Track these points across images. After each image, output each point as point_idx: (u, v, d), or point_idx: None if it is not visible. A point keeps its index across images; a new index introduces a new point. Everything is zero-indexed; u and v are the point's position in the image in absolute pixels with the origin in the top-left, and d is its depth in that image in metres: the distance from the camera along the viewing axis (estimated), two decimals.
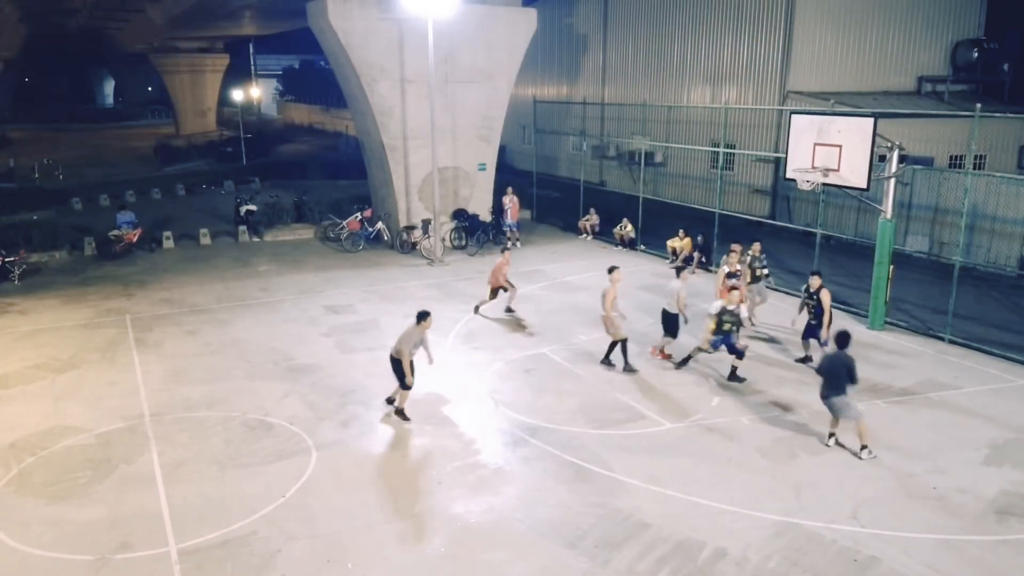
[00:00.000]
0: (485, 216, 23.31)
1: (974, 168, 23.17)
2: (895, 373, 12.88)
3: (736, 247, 14.92)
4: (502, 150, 25.23)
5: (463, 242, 22.60)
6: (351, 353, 13.91)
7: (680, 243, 20.30)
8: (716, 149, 22.49)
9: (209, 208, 28.19)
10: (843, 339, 10.04)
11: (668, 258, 20.58)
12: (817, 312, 12.78)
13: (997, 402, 11.71)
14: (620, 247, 22.56)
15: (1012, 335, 14.48)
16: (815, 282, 12.86)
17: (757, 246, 15.49)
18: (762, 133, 27.04)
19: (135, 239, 21.80)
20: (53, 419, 11.14)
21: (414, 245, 21.98)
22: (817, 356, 12.31)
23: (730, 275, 14.16)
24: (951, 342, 14.20)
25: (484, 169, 23.35)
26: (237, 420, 11.17)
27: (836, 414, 10.07)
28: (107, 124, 68.84)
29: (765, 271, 15.38)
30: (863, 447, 9.93)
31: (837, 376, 9.86)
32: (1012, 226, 18.55)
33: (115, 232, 21.67)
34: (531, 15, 22.85)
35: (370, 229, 22.76)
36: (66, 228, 23.78)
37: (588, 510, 8.80)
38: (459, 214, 22.92)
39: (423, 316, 11.10)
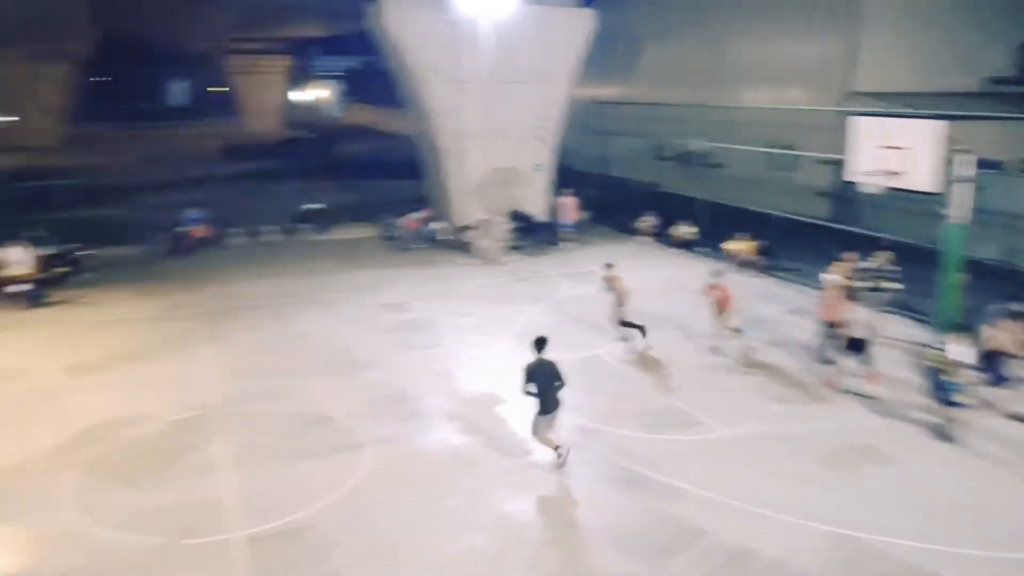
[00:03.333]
0: (541, 216, 23.39)
1: None
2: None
3: (849, 255, 14.36)
4: (559, 150, 25.25)
5: (518, 242, 22.71)
6: (407, 350, 14.14)
7: (738, 246, 20.02)
8: (774, 150, 22.10)
9: (273, 206, 28.91)
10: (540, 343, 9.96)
11: (726, 261, 20.31)
12: None
13: None
14: (677, 249, 22.36)
15: None
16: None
17: (885, 255, 15.14)
18: (823, 134, 26.40)
19: (203, 235, 22.52)
20: (126, 407, 11.63)
21: (469, 245, 22.18)
22: None
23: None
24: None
25: (540, 170, 23.42)
26: (298, 413, 11.48)
27: None
28: (179, 123, 71.06)
29: (894, 284, 14.80)
30: None
31: None
32: None
33: (183, 228, 22.43)
34: (589, 16, 22.79)
35: (427, 229, 23.04)
36: (139, 223, 24.69)
37: (641, 514, 8.80)
38: (515, 214, 23.03)
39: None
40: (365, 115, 71.77)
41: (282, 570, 7.83)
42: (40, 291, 17.04)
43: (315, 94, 63.88)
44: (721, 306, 13.74)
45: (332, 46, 61.41)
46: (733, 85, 30.79)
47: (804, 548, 8.11)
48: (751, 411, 11.53)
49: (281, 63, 61.59)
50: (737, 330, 13.93)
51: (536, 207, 23.41)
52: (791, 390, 12.31)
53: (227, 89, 67.13)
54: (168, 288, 18.36)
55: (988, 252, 19.19)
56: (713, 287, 13.83)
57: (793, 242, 20.22)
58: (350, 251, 22.53)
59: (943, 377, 10.38)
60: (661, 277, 19.41)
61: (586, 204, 24.70)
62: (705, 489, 9.27)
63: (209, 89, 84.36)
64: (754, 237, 19.82)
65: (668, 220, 22.97)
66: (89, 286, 18.56)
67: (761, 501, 9.00)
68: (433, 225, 23.05)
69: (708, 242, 21.74)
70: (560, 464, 9.71)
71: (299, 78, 61.84)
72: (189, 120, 74.23)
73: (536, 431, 9.80)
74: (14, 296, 16.49)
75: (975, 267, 15.00)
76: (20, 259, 16.66)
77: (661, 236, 23.45)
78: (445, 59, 21.07)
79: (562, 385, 9.69)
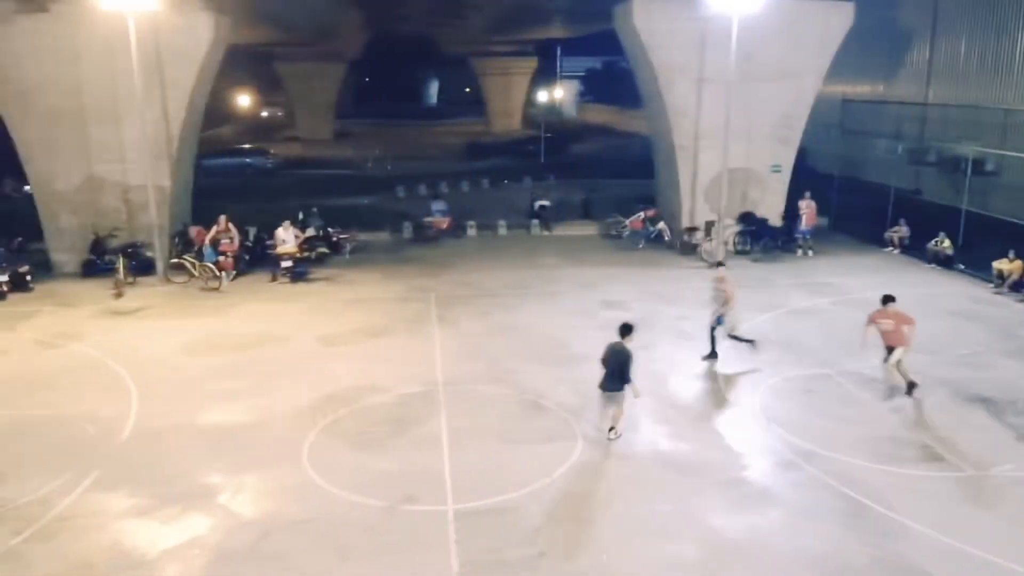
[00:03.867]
0: (775, 221, 22.20)
1: None
2: None
3: None
4: (801, 152, 23.76)
5: (747, 247, 21.76)
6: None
7: (1010, 265, 17.64)
8: None
9: (508, 202, 30.24)
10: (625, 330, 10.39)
11: (992, 281, 17.99)
12: None
13: None
14: (933, 264, 20.16)
15: None
16: None
17: None
18: None
19: (445, 226, 24.19)
20: (364, 377, 12.84)
21: (695, 247, 21.65)
22: None
23: None
24: None
25: (779, 171, 22.22)
26: (515, 398, 11.98)
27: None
28: (429, 121, 76.55)
29: None
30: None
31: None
32: None
33: (429, 219, 24.25)
34: (847, 9, 21.17)
35: (652, 229, 22.85)
36: (389, 212, 27.07)
37: (861, 549, 8.11)
38: (746, 217, 22.08)
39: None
40: (602, 115, 72.60)
41: (490, 547, 8.23)
42: (304, 268, 19.31)
43: (556, 94, 65.62)
44: (889, 339, 11.87)
45: (574, 47, 62.65)
46: (1016, 85, 27.02)
47: None
48: (1006, 452, 10.13)
49: (527, 64, 64.06)
50: (899, 366, 11.87)
51: (771, 211, 22.27)
52: None
53: (474, 90, 71.20)
54: (411, 273, 19.93)
55: None
56: (882, 315, 11.92)
57: None
58: (576, 247, 22.98)
59: None
60: (911, 295, 17.61)
61: (828, 209, 23.09)
62: (939, 532, 8.32)
63: (462, 90, 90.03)
64: (1018, 255, 17.35)
65: (923, 231, 20.77)
66: (345, 266, 20.67)
67: (1005, 552, 7.91)
68: (659, 225, 22.81)
69: (970, 259, 19.36)
70: (610, 439, 10.44)
71: (542, 79, 63.86)
72: (439, 119, 79.81)
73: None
74: (283, 271, 18.83)
75: None
76: (288, 239, 18.98)
77: (913, 249, 21.28)
78: (690, 57, 20.69)
79: (619, 369, 10.21)
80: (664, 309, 16.52)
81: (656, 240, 22.75)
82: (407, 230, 24.54)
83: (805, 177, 23.76)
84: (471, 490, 9.26)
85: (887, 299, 11.94)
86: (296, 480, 9.62)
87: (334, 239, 21.85)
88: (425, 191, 32.59)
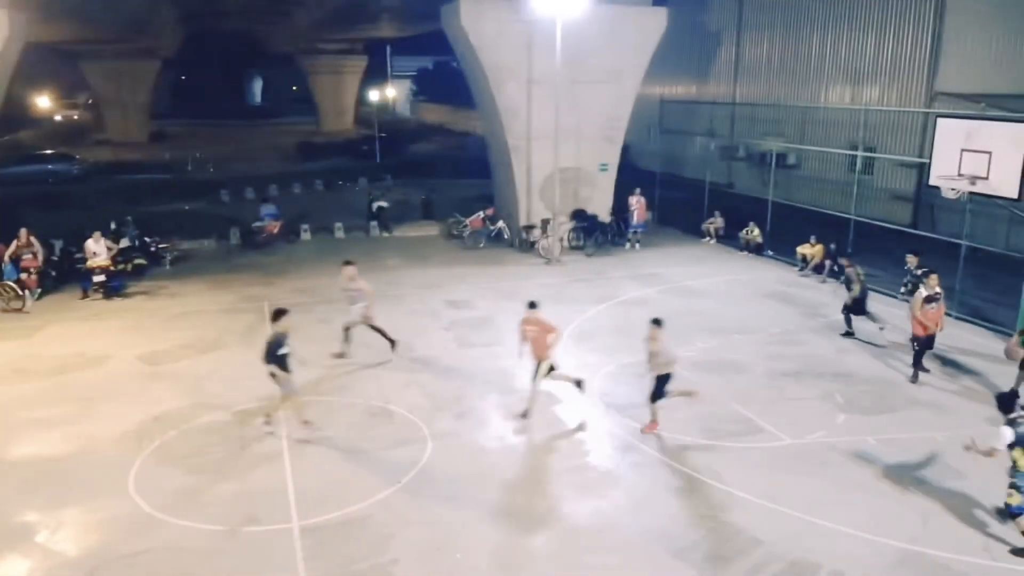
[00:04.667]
0: (604, 217, 23.22)
1: None
2: None
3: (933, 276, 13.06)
4: (625, 150, 25.00)
5: (581, 242, 22.61)
6: (468, 347, 14.26)
7: (811, 250, 19.46)
8: (854, 152, 21.36)
9: (344, 204, 29.55)
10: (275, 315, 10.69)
11: (797, 265, 19.78)
12: None
13: None
14: (745, 252, 21.87)
15: None
16: None
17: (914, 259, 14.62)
18: (905, 136, 25.41)
19: (276, 231, 23.19)
20: (195, 396, 12.07)
21: (533, 244, 22.20)
22: None
23: (929, 299, 12.43)
24: None
25: (606, 169, 23.25)
26: (360, 406, 11.71)
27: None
28: (255, 121, 73.33)
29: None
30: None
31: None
32: None
33: (258, 223, 23.15)
34: (661, 14, 22.52)
35: (492, 227, 23.19)
36: (214, 218, 25.62)
37: (698, 521, 8.64)
38: (578, 214, 22.93)
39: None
40: (437, 114, 72.69)
41: (340, 560, 7.97)
42: (119, 282, 17.84)
43: (389, 93, 64.94)
44: (535, 348, 10.98)
45: (407, 47, 62.33)
46: (812, 84, 29.92)
47: (867, 563, 7.81)
48: (818, 420, 11.17)
49: (357, 63, 62.89)
50: (554, 375, 11.20)
51: (600, 207, 23.27)
52: (861, 399, 11.88)
53: (302, 89, 68.95)
54: (241, 281, 18.96)
55: None
56: (527, 321, 11.05)
57: (870, 247, 19.52)
58: (417, 248, 22.84)
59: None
60: (728, 281, 19.05)
61: (654, 204, 24.41)
62: (765, 499, 9.04)
63: (289, 89, 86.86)
64: (826, 241, 19.21)
65: (739, 222, 22.48)
66: (167, 278, 19.32)
67: (823, 513, 8.72)
68: (499, 224, 23.19)
69: (777, 245, 21.18)
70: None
71: (373, 78, 62.98)
72: (267, 118, 76.63)
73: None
74: (95, 286, 17.29)
75: None
76: (100, 251, 17.44)
77: (727, 238, 22.97)
78: (519, 59, 21.16)
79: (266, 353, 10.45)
80: (507, 306, 16.75)
81: (496, 239, 23.10)
82: (235, 236, 23.33)
83: (631, 175, 25.04)
84: (318, 505, 8.93)
85: (532, 304, 11.07)
86: (124, 511, 8.86)
87: (152, 249, 20.39)
88: (253, 194, 31.18)
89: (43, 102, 52.95)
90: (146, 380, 12.76)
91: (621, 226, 23.25)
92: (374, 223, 25.01)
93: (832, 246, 18.99)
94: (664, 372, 10.53)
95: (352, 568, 7.85)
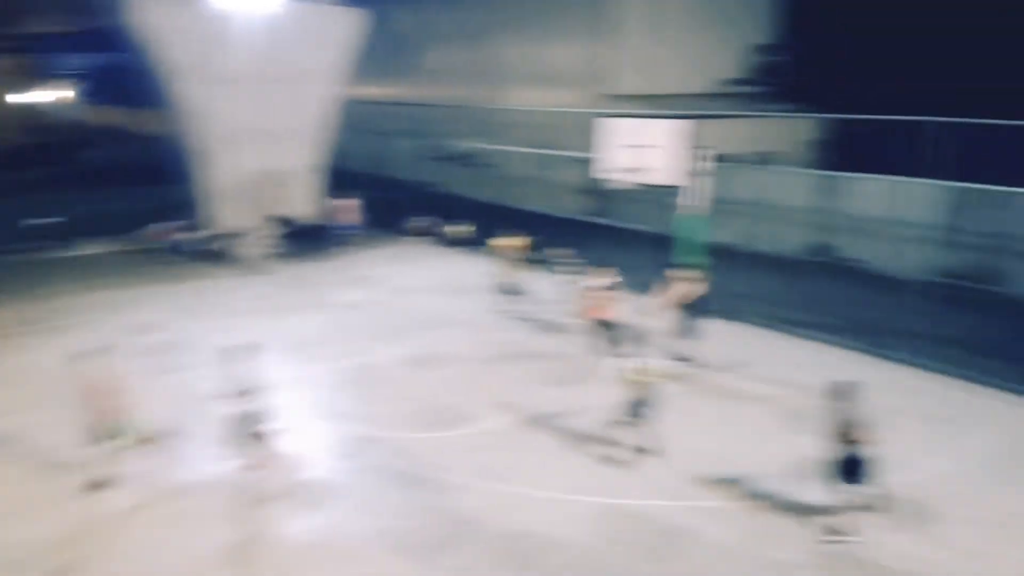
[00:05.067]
0: (312, 220, 22.64)
1: (765, 164, 25.30)
2: (714, 352, 13.61)
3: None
4: (334, 152, 24.63)
5: (288, 249, 21.82)
6: (163, 375, 12.95)
7: (507, 243, 20.63)
8: (539, 151, 23.13)
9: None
10: None
11: (502, 258, 20.87)
12: None
13: (786, 373, 12.83)
14: (454, 248, 22.62)
15: (796, 311, 15.88)
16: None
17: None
18: (585, 135, 28.14)
19: None
20: None
21: (233, 254, 20.93)
22: None
23: (593, 287, 13.53)
24: (753, 324, 15.41)
25: (309, 172, 22.71)
26: (31, 454, 10.19)
27: None
28: None
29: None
30: None
31: None
32: (799, 215, 20.46)
33: None
34: (357, 14, 22.41)
35: (184, 239, 21.40)
36: None
37: (419, 514, 8.83)
38: (282, 220, 22.10)
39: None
40: (112, 117, 65.50)
41: None
42: None
43: (55, 95, 57.16)
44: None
45: (76, 42, 55.25)
46: (506, 87, 31.88)
47: (574, 521, 8.57)
48: (523, 398, 11.95)
49: (12, 62, 54.37)
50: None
51: (306, 211, 22.65)
52: (559, 375, 12.93)
53: None
54: None
55: (727, 237, 21.51)
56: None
57: (565, 237, 21.29)
58: (95, 268, 20.27)
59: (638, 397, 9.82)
60: (438, 277, 19.60)
61: (365, 206, 24.31)
62: (480, 479, 9.51)
63: None
64: (526, 234, 20.55)
65: (448, 220, 23.18)
66: None
67: (533, 484, 9.40)
68: (191, 234, 21.46)
69: (484, 241, 22.24)
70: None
71: (37, 77, 55.00)
72: None
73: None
74: None
75: (717, 251, 16.53)
76: None
77: (437, 236, 23.63)
78: (205, 56, 19.75)
79: None
80: (206, 324, 15.53)
81: (190, 251, 21.35)
82: None
83: (340, 176, 24.70)
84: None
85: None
86: None
87: None
88: None
89: None
90: None
91: (331, 230, 22.83)
92: (36, 243, 21.69)
93: (534, 239, 20.33)
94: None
95: None
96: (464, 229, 22.72)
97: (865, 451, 7.93)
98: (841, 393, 8.12)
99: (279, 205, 22.13)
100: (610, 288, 13.52)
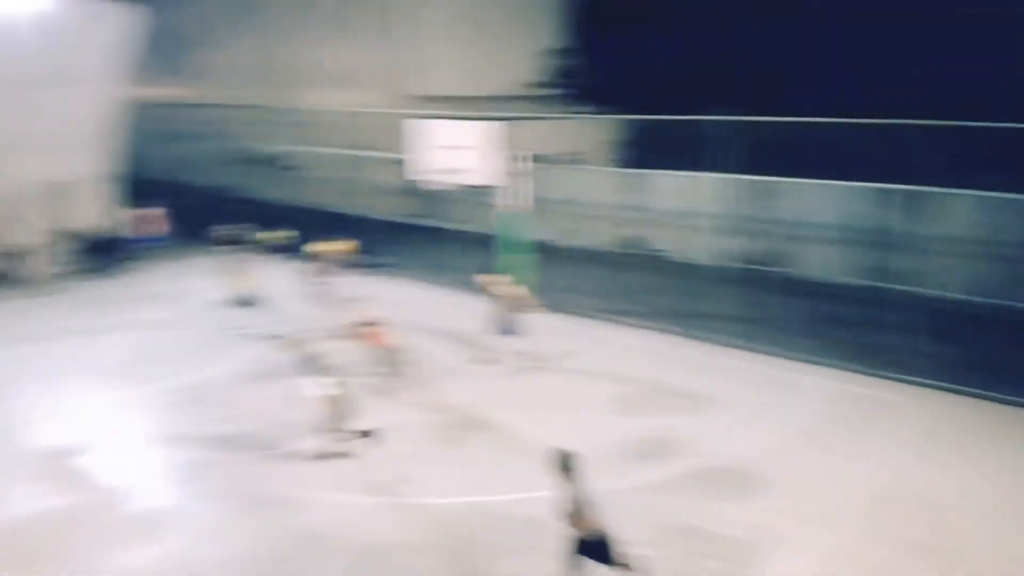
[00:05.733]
0: (105, 233, 20.73)
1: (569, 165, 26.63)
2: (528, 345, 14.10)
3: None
4: (129, 158, 22.64)
5: (81, 265, 19.85)
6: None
7: (327, 247, 20.13)
8: (349, 152, 22.74)
9: None
10: None
11: (315, 263, 20.26)
12: None
13: (613, 361, 13.71)
14: (269, 253, 21.60)
15: (615, 302, 16.87)
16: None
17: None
18: (396, 136, 28.06)
19: None
20: None
21: (12, 273, 18.67)
22: None
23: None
24: (573, 314, 16.17)
25: (100, 180, 20.78)
26: None
27: None
28: None
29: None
30: None
31: None
32: (610, 212, 21.82)
33: None
34: (131, 12, 20.65)
35: None
36: None
37: (272, 530, 8.54)
38: (73, 233, 20.05)
39: None
40: None
41: None
42: None
43: None
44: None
45: None
46: (306, 87, 30.92)
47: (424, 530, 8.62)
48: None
49: None
50: None
51: (99, 223, 20.69)
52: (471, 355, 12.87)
53: None
54: None
55: (547, 234, 22.41)
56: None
57: (385, 239, 21.12)
58: None
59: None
60: (254, 288, 18.66)
61: (169, 215, 22.60)
62: (325, 492, 9.33)
63: None
64: (348, 238, 20.12)
65: (263, 226, 22.10)
66: None
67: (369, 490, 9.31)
68: None
69: (299, 245, 21.47)
70: None
71: None
72: None
73: None
74: None
75: (538, 248, 17.14)
76: None
77: (245, 244, 22.38)
78: None
79: None
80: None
81: None
82: None
83: (136, 184, 22.80)
84: None
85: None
86: None
87: None
88: None
89: None
90: None
91: (130, 242, 21.02)
92: None
93: (355, 243, 19.96)
94: None
95: None
96: (281, 235, 21.78)
97: (598, 534, 6.87)
98: (566, 465, 6.91)
99: (68, 218, 20.04)
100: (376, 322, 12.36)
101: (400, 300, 16.94)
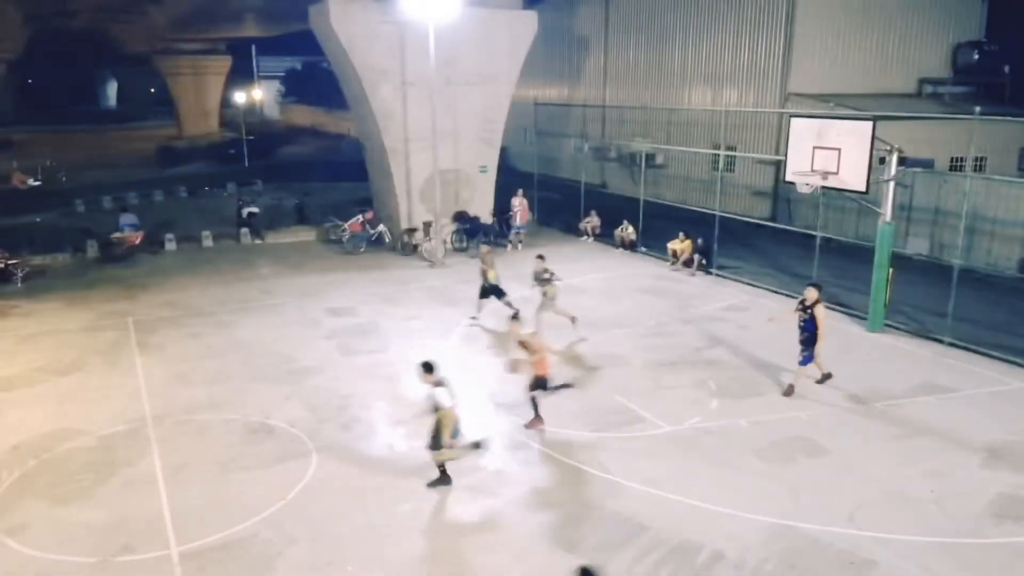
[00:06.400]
0: (486, 218, 23.41)
1: (974, 170, 23.20)
2: (894, 376, 12.90)
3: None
4: (504, 152, 25.29)
5: (464, 244, 22.68)
6: (352, 356, 13.97)
7: (680, 245, 20.34)
8: (716, 151, 22.56)
9: (211, 210, 28.28)
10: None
11: (669, 260, 20.62)
12: (808, 327, 11.74)
13: (995, 405, 11.75)
14: (621, 249, 22.59)
15: (1011, 337, 14.49)
16: (811, 294, 11.83)
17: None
18: (763, 135, 27.08)
19: (137, 241, 21.88)
20: (56, 421, 11.21)
21: (415, 247, 22.05)
22: (801, 380, 12.23)
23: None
24: (951, 344, 14.20)
25: (485, 171, 23.45)
26: (239, 423, 11.23)
27: None
28: (110, 126, 68.84)
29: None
30: None
31: None
32: (1011, 228, 18.59)
33: (117, 234, 21.76)
34: (532, 18, 22.93)
35: (371, 231, 22.86)
36: (69, 230, 23.90)
37: (586, 512, 8.86)
38: (460, 216, 22.99)
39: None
40: (306, 116, 70.79)
41: None
42: None
43: (255, 96, 62.64)
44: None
45: (273, 46, 60.33)
46: (676, 87, 31.31)
47: (744, 540, 8.26)
48: (693, 407, 11.70)
49: (220, 63, 60.15)
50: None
51: (481, 209, 23.42)
52: (730, 386, 12.54)
53: (160, 90, 65.33)
54: (101, 297, 17.80)
55: (917, 248, 19.93)
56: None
57: (734, 241, 20.66)
58: (292, 255, 22.18)
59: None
60: (605, 278, 19.62)
61: (533, 205, 24.80)
62: (649, 485, 9.38)
63: (146, 91, 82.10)
64: (694, 237, 20.13)
65: (614, 221, 23.18)
66: (19, 296, 17.89)
67: (702, 495, 9.15)
68: (379, 228, 22.89)
69: (651, 242, 22.00)
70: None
71: (239, 79, 60.54)
72: (122, 123, 72.09)
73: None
74: None
75: (904, 263, 15.44)
76: None
77: (603, 236, 23.65)
78: (391, 61, 20.95)
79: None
80: (391, 311, 16.58)
81: (377, 243, 22.78)
82: (92, 249, 21.83)
83: (509, 176, 25.38)
84: (197, 528, 8.51)
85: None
86: None
87: (1, 266, 18.79)
88: (111, 204, 29.26)
89: None
90: (5, 407, 11.74)
91: (503, 227, 23.50)
92: (244, 230, 24.07)
93: (700, 241, 19.94)
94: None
95: None
96: (632, 230, 22.55)
97: None
98: None
99: (460, 202, 23.05)
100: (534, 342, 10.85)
101: (729, 305, 16.45)
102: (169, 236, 23.05)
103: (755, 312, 15.86)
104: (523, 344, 10.69)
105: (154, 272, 20.19)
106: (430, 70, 19.53)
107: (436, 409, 9.21)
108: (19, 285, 18.69)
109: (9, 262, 19.00)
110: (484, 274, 15.56)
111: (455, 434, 9.28)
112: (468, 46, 21.58)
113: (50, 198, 30.25)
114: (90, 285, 18.91)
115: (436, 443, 9.24)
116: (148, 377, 12.96)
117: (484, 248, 17.09)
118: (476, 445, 9.65)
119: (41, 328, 15.56)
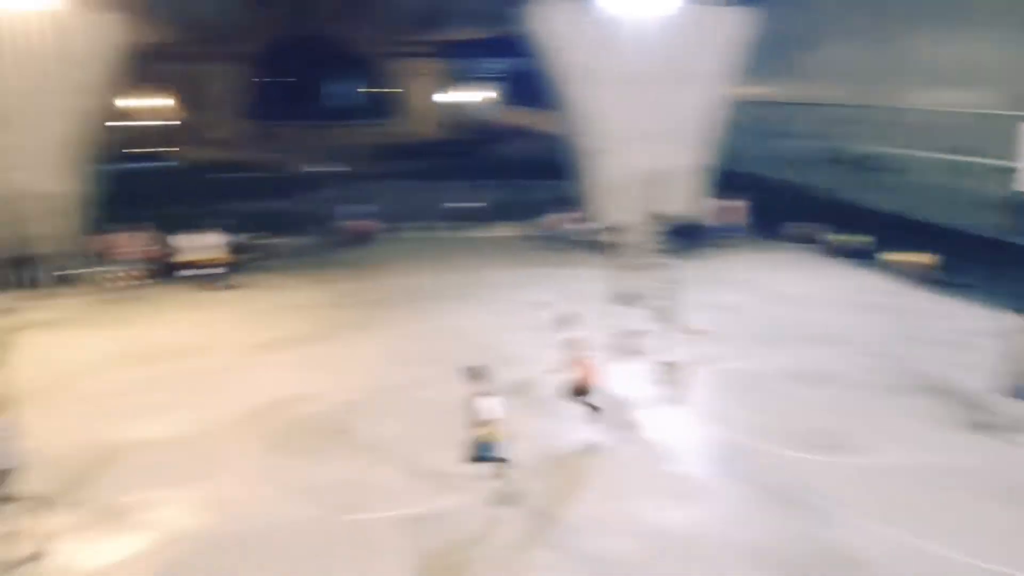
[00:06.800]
0: (692, 219, 22.88)
1: None
2: None
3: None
4: (721, 152, 24.56)
5: (667, 245, 22.33)
6: (551, 348, 14.20)
7: (907, 258, 18.70)
8: (951, 157, 20.33)
9: (430, 204, 30.03)
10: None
11: (898, 273, 18.97)
12: None
13: None
14: (845, 258, 21.04)
15: None
16: None
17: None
18: (1009, 140, 24.11)
19: (368, 229, 23.89)
20: (300, 386, 12.58)
21: (617, 246, 22.05)
22: None
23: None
24: None
25: (694, 171, 22.94)
26: (455, 402, 11.88)
27: None
28: (343, 122, 75.04)
29: None
30: None
31: None
32: None
33: (352, 222, 23.90)
34: (746, 15, 21.98)
35: (575, 229, 23.20)
36: (309, 216, 26.48)
37: (795, 538, 8.48)
38: (663, 217, 22.64)
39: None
40: (521, 116, 72.90)
41: (439, 551, 8.23)
42: (227, 275, 18.76)
43: (473, 95, 65.54)
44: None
45: (491, 48, 62.74)
46: (911, 85, 28.74)
47: None
48: (918, 437, 10.78)
49: (441, 65, 63.68)
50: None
51: (687, 209, 22.92)
52: (963, 417, 11.38)
53: (387, 90, 70.27)
54: (337, 277, 19.61)
55: None
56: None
57: (973, 256, 18.66)
58: (501, 249, 23.07)
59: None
60: (823, 288, 18.50)
61: (751, 208, 23.85)
62: (865, 517, 8.79)
63: (372, 90, 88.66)
64: (929, 250, 18.36)
65: (835, 227, 21.73)
66: (266, 272, 20.14)
67: (931, 535, 8.40)
68: (582, 225, 23.17)
69: (876, 253, 20.38)
70: None
71: (458, 79, 63.70)
72: (354, 120, 78.17)
73: None
74: (207, 278, 18.24)
75: None
76: (213, 244, 18.47)
77: (824, 244, 22.22)
78: (597, 60, 21.05)
79: None
80: (589, 307, 16.67)
81: (580, 240, 23.08)
82: (330, 233, 24.09)
83: (726, 177, 24.58)
84: (412, 496, 9.23)
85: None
86: (235, 492, 9.40)
87: (255, 244, 21.29)
88: (345, 193, 31.94)
89: (131, 103, 55.04)
90: (253, 369, 13.38)
91: (710, 230, 22.88)
92: (459, 223, 25.38)
93: (935, 255, 18.20)
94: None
95: (461, 556, 8.09)
96: (854, 239, 21.02)
97: None
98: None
99: (662, 202, 22.73)
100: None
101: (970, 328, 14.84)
102: (393, 225, 24.85)
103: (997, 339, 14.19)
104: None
105: (384, 258, 21.83)
106: (636, 69, 19.36)
107: (482, 422, 8.87)
108: (266, 263, 20.93)
109: (262, 242, 21.40)
110: None
111: (488, 449, 8.95)
112: (677, 43, 21.00)
113: (292, 185, 33.67)
114: (328, 266, 20.85)
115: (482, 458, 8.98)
116: (377, 352, 14.17)
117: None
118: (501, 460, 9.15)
119: (286, 302, 17.44)
